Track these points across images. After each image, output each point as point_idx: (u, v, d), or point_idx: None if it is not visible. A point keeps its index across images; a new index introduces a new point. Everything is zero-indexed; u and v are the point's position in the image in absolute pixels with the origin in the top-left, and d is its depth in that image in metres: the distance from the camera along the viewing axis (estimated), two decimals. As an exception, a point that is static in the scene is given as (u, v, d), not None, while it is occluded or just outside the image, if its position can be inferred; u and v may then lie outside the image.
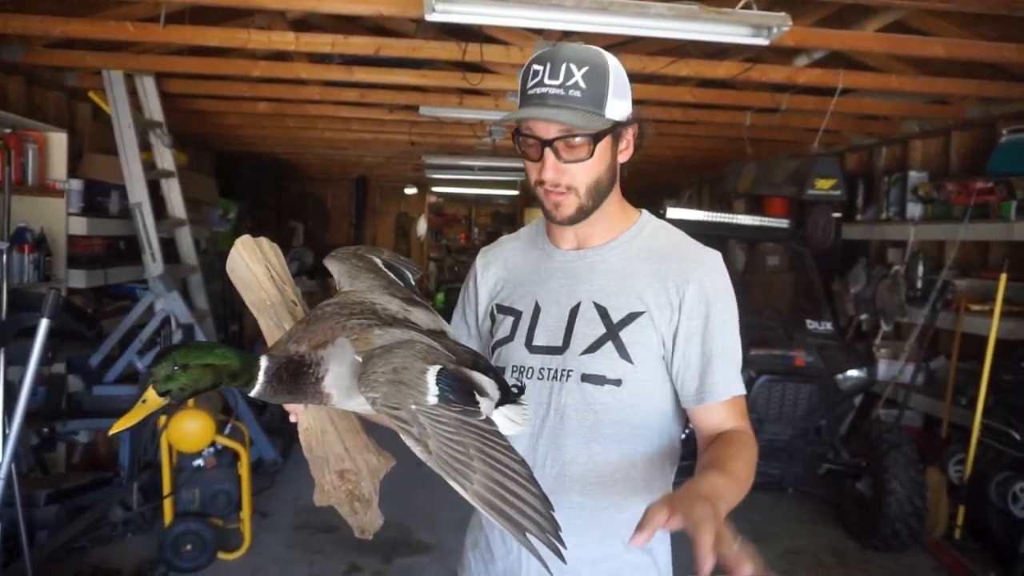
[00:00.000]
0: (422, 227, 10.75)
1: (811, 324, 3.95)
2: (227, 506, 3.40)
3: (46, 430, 3.44)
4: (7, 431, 2.39)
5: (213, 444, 3.31)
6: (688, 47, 3.83)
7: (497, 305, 1.25)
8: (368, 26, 3.97)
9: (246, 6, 3.25)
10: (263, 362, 0.93)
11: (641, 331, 1.13)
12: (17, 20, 3.17)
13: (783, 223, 4.24)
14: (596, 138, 1.09)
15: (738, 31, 2.45)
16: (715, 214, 4.08)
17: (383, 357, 0.89)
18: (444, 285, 10.15)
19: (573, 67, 1.07)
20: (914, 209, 4.55)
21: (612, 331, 1.14)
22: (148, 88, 4.16)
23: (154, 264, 3.99)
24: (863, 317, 4.83)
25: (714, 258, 1.17)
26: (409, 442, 0.80)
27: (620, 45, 3.63)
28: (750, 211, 5.62)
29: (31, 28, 3.22)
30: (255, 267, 1.06)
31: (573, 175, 1.11)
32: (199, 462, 3.34)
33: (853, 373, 3.76)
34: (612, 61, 1.12)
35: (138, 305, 3.88)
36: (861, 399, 4.46)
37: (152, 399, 0.88)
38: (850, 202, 5.07)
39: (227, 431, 3.42)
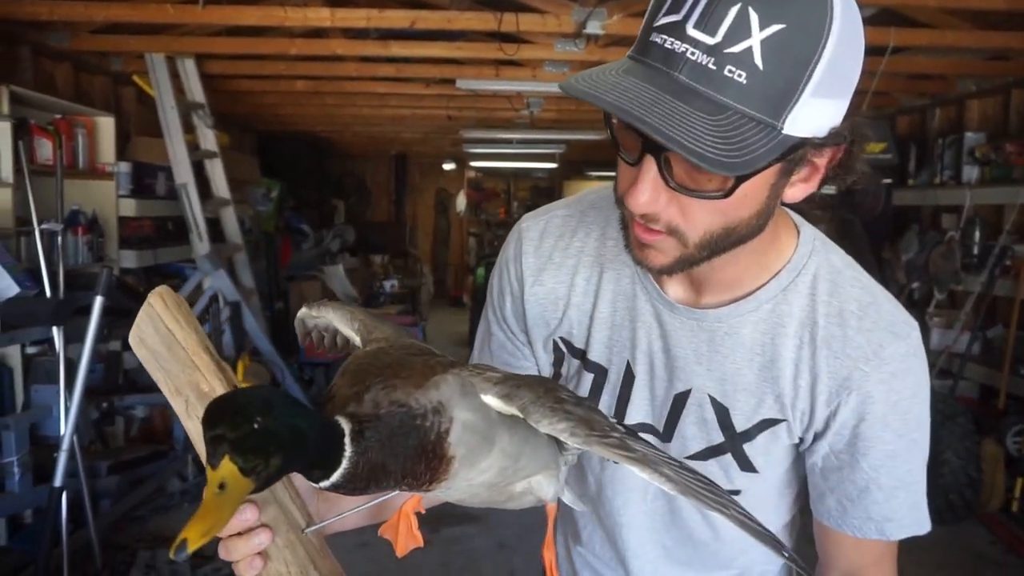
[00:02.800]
0: (461, 203, 10.76)
1: (860, 293, 3.85)
2: (277, 477, 3.50)
3: (105, 405, 3.58)
4: (68, 404, 2.50)
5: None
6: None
7: (564, 340, 0.88)
8: (403, -1, 3.95)
9: (282, -17, 3.26)
10: (344, 425, 0.56)
11: (775, 441, 0.79)
12: (62, 7, 3.25)
13: (830, 190, 4.11)
14: (745, 175, 0.62)
15: (783, -11, 2.36)
16: (759, 182, 3.98)
17: (523, 386, 0.61)
18: (484, 260, 10.21)
19: (753, 15, 0.56)
20: (970, 172, 4.36)
21: (734, 442, 0.81)
22: (189, 70, 4.22)
23: (201, 243, 4.08)
24: (915, 285, 4.68)
25: (898, 349, 0.75)
26: (643, 472, 0.58)
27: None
28: (796, 178, 5.46)
29: (75, 14, 3.29)
30: (182, 332, 0.69)
31: (684, 214, 0.66)
32: (249, 435, 3.43)
33: (905, 342, 3.66)
34: (840, 17, 0.58)
35: (187, 283, 3.98)
36: (913, 369, 4.34)
37: (234, 482, 0.49)
38: (901, 166, 4.89)
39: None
